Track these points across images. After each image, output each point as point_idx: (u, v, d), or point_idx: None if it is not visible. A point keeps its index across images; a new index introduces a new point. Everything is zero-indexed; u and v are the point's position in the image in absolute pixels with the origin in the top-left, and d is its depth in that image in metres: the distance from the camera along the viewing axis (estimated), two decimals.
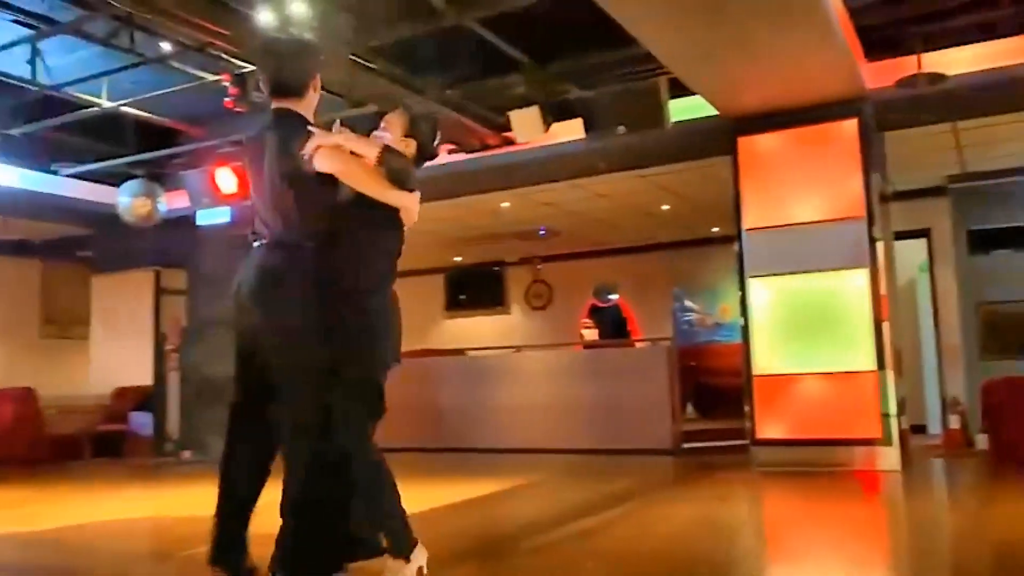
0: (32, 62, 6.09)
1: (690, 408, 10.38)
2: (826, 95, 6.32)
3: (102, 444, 9.68)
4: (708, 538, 4.07)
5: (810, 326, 6.52)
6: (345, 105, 6.65)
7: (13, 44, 5.95)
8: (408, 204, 3.16)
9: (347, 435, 3.00)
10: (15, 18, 5.86)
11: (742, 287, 6.81)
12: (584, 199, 9.13)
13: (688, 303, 12.21)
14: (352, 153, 3.07)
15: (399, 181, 3.07)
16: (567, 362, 9.08)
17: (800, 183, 6.64)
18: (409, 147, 3.26)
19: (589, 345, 10.01)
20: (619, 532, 4.22)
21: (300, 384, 3.00)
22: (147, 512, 5.79)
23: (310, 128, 3.08)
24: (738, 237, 6.84)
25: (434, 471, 5.10)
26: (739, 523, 4.79)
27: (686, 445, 7.97)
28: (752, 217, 6.79)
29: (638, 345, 10.23)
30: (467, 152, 7.81)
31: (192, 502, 6.11)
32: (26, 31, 5.95)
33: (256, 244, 3.11)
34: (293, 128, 3.07)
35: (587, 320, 11.38)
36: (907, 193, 8.82)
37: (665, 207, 9.88)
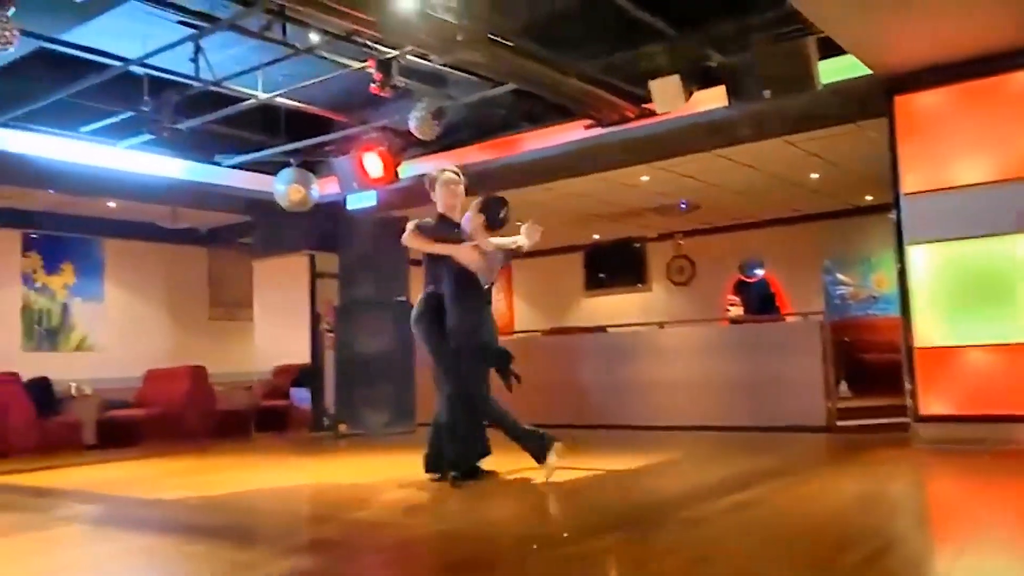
0: (195, 59, 6.50)
1: (844, 386, 9.95)
2: (994, 44, 5.86)
3: (266, 419, 10.30)
4: (867, 516, 3.90)
5: (978, 295, 6.09)
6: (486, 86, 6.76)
7: (178, 43, 6.37)
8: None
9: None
10: (180, 18, 6.27)
11: (900, 255, 6.44)
12: (728, 169, 8.86)
13: (840, 276, 11.69)
14: None
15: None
16: (713, 338, 8.88)
17: (965, 142, 6.20)
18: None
19: (735, 321, 9.77)
20: (773, 507, 4.10)
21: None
22: (308, 480, 6.09)
23: None
24: (895, 203, 6.47)
25: (577, 446, 5.12)
26: (901, 502, 4.55)
27: (841, 423, 7.65)
28: (912, 181, 6.40)
29: (787, 320, 9.90)
30: (604, 126, 7.74)
31: (349, 471, 6.40)
32: (188, 30, 6.35)
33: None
34: None
35: (732, 296, 11.08)
36: None
37: (814, 175, 9.46)
